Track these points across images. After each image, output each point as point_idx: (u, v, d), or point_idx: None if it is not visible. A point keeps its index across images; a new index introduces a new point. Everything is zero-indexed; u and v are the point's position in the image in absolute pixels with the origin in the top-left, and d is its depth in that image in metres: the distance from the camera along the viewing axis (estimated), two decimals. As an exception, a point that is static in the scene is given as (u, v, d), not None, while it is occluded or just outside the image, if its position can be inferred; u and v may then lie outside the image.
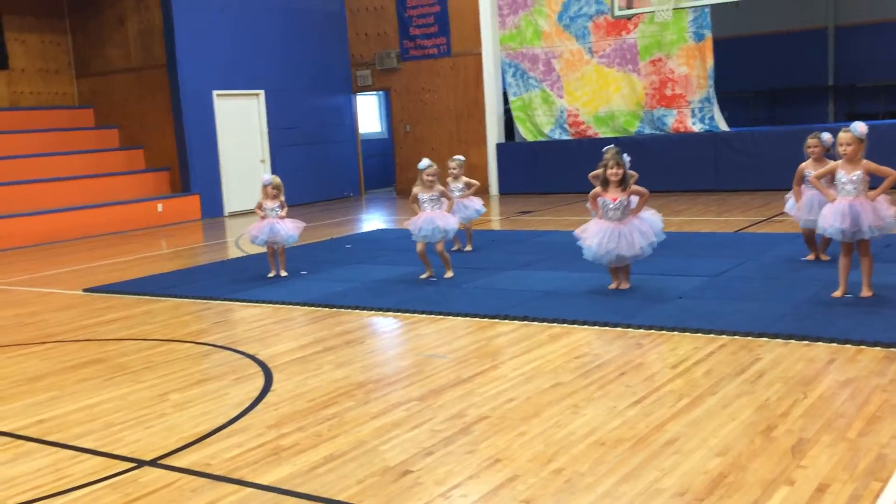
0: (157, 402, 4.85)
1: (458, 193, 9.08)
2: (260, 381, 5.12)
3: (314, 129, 17.30)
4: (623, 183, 6.67)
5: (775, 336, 5.31)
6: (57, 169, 14.53)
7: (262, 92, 16.28)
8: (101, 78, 16.17)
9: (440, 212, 7.75)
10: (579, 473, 3.52)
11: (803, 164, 7.38)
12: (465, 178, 9.33)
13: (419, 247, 7.78)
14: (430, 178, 7.72)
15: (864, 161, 5.94)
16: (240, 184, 15.87)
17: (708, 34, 14.81)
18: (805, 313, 5.80)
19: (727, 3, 14.37)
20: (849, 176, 5.95)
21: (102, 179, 14.80)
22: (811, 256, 7.61)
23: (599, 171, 6.87)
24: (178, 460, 3.94)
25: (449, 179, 9.18)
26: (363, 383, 4.99)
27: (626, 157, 6.79)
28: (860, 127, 5.92)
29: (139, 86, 15.70)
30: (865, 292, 6.06)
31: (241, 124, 16.02)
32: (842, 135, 5.97)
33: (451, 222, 7.82)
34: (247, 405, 4.68)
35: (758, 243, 8.85)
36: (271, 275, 8.52)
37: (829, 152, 7.23)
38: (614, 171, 6.64)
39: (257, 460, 3.88)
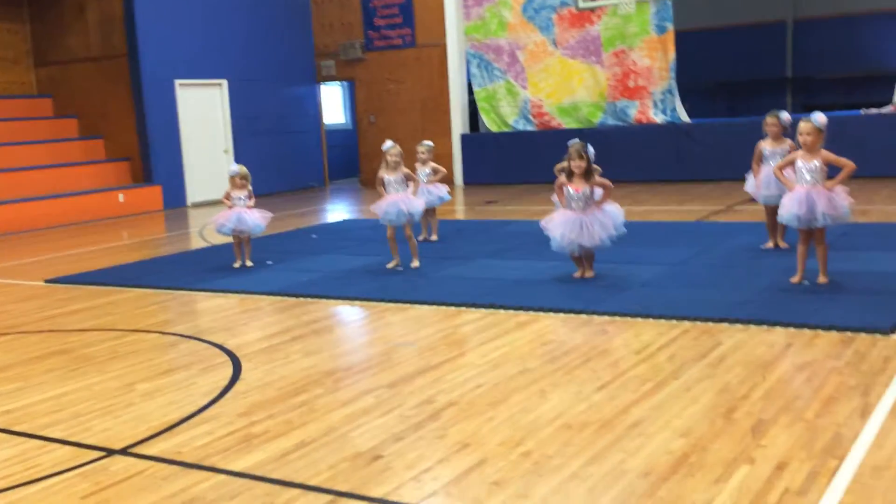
0: (124, 391, 4.84)
1: (425, 178, 9.12)
2: (228, 371, 5.13)
3: (278, 119, 17.21)
4: (587, 174, 6.76)
5: (735, 322, 5.44)
6: (15, 159, 14.30)
7: (225, 81, 16.17)
8: (60, 67, 15.94)
9: (405, 194, 7.78)
10: (547, 456, 3.59)
11: (761, 142, 7.55)
12: (432, 164, 9.38)
13: (389, 232, 7.82)
14: (393, 158, 7.75)
15: (823, 151, 6.09)
16: (203, 174, 15.75)
17: (670, 26, 14.98)
18: (764, 299, 5.94)
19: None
20: (807, 165, 6.10)
21: (62, 170, 14.60)
22: (770, 244, 7.77)
23: (565, 163, 6.95)
24: (148, 449, 3.95)
25: (417, 164, 9.21)
26: (332, 371, 5.02)
27: (591, 149, 6.87)
28: (820, 117, 6.06)
29: (99, 75, 15.50)
30: (822, 279, 6.21)
31: (203, 114, 15.90)
32: (802, 125, 6.11)
33: (416, 205, 7.83)
34: (216, 394, 4.69)
35: (718, 232, 9.01)
36: (237, 265, 8.50)
37: (787, 131, 7.43)
38: (577, 162, 6.74)
39: (228, 448, 3.90)
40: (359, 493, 3.36)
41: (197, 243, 10.96)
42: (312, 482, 3.48)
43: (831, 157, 6.08)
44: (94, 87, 15.57)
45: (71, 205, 13.90)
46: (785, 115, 7.46)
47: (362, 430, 4.03)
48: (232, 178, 8.49)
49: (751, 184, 7.74)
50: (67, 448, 4.01)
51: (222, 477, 3.59)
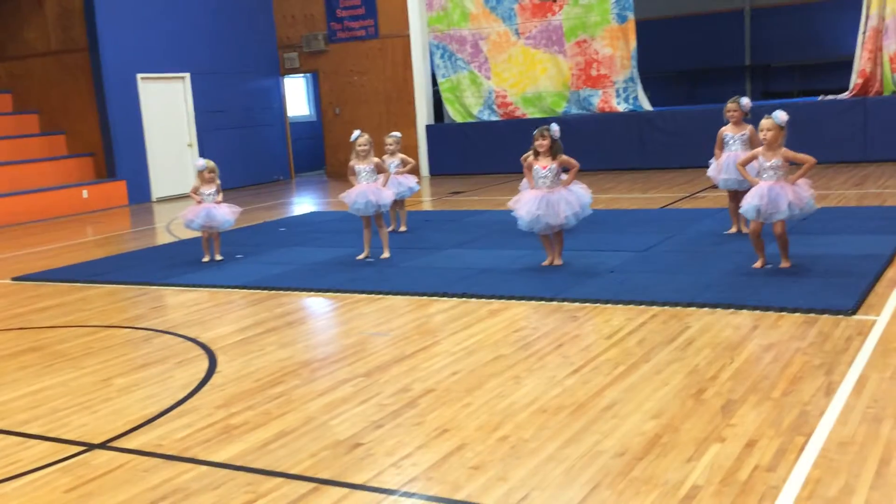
0: (100, 386, 4.85)
1: (393, 169, 9.16)
2: (204, 364, 5.16)
3: (242, 112, 17.12)
4: (552, 152, 6.87)
5: (702, 305, 5.57)
6: (-25, 156, 14.12)
7: (187, 75, 16.04)
8: (18, 62, 15.69)
9: (374, 185, 7.81)
10: (524, 440, 3.68)
11: (723, 129, 7.74)
12: (400, 155, 9.42)
13: (364, 221, 7.89)
14: (362, 148, 7.78)
15: (783, 149, 6.23)
16: (167, 169, 15.64)
17: (630, 16, 15.12)
18: (729, 283, 6.08)
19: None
20: (769, 162, 6.24)
21: (23, 166, 14.40)
22: (733, 230, 7.93)
23: (530, 152, 7.05)
24: (128, 442, 3.98)
25: (385, 156, 9.24)
26: (308, 362, 5.07)
27: (555, 127, 6.96)
28: (781, 115, 6.20)
29: (59, 70, 15.29)
30: (784, 264, 6.36)
31: (167, 108, 15.77)
32: (763, 121, 6.26)
33: (385, 196, 7.86)
34: (193, 387, 4.72)
35: (682, 218, 9.15)
36: (206, 259, 8.49)
37: (748, 116, 7.62)
38: (540, 141, 6.86)
39: (209, 439, 3.94)
40: (341, 481, 3.42)
41: (164, 238, 10.90)
42: (294, 471, 3.54)
43: (790, 154, 6.23)
44: (55, 82, 15.37)
45: (34, 201, 13.73)
46: (745, 101, 7.65)
47: (341, 418, 4.09)
48: (200, 172, 8.46)
49: (713, 169, 7.90)
50: (47, 444, 4.03)
51: (204, 468, 3.63)
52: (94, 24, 14.55)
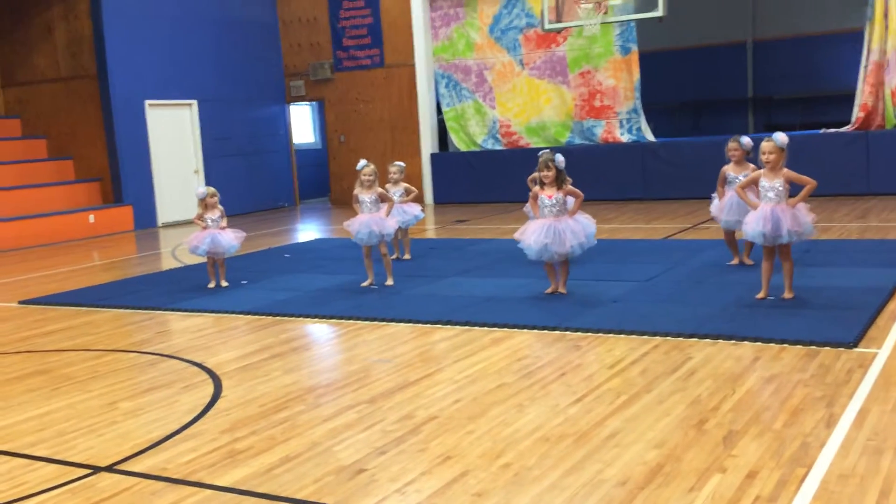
0: (107, 410, 4.89)
1: (397, 198, 9.23)
2: (209, 389, 5.19)
3: (248, 139, 17.27)
4: (558, 182, 6.94)
5: (704, 336, 5.61)
6: (-17, 180, 14.23)
7: (194, 102, 16.20)
8: (28, 87, 15.87)
9: (377, 215, 7.88)
10: (527, 467, 3.71)
11: (725, 167, 7.77)
12: (404, 184, 9.49)
13: (364, 251, 7.94)
14: (367, 178, 7.86)
15: (785, 170, 6.30)
16: (173, 194, 15.75)
17: (634, 48, 15.28)
18: (731, 315, 6.12)
19: (652, 17, 14.85)
20: (771, 184, 6.30)
21: (31, 190, 14.52)
22: (735, 261, 7.97)
23: (536, 174, 7.14)
24: (134, 465, 4.01)
25: (389, 185, 9.31)
26: (313, 388, 5.11)
27: (560, 157, 7.02)
28: (781, 137, 6.27)
29: (68, 96, 15.47)
30: (787, 294, 6.41)
31: (174, 134, 15.91)
32: (764, 144, 6.33)
33: (388, 226, 7.93)
34: (198, 411, 4.76)
35: (685, 249, 9.20)
36: (211, 285, 8.54)
37: (750, 155, 7.65)
38: (545, 172, 6.93)
39: (214, 463, 3.97)
40: (345, 506, 3.45)
41: (170, 263, 10.96)
42: (299, 496, 3.57)
43: (793, 175, 6.29)
44: (64, 108, 15.53)
45: (41, 226, 13.82)
46: (746, 140, 7.63)
47: (345, 444, 4.12)
48: (202, 200, 8.49)
49: (715, 206, 7.94)
50: (53, 466, 4.06)
51: (209, 492, 3.66)
52: (103, 52, 14.72)
